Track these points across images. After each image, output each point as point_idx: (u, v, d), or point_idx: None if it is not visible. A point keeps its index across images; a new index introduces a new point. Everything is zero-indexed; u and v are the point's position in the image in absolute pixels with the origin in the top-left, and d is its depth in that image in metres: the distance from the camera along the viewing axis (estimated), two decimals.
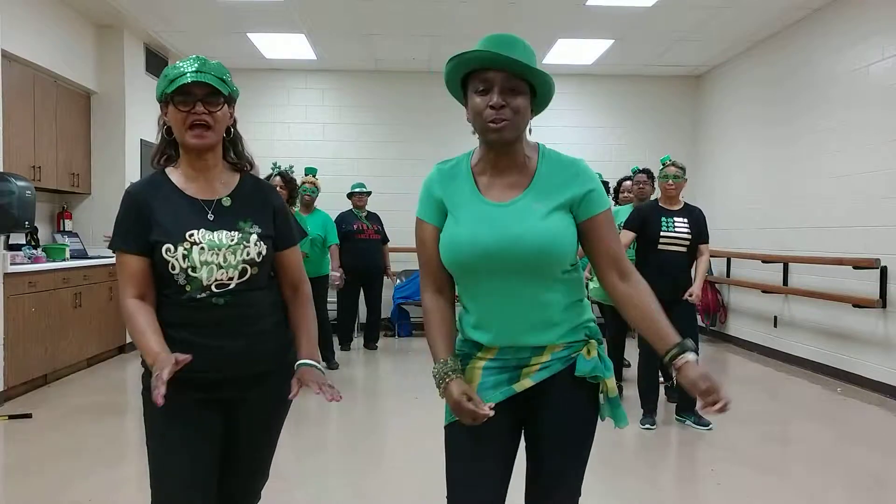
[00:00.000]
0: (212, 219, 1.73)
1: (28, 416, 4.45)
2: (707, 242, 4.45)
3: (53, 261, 5.61)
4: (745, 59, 7.54)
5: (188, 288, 1.69)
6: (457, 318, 1.74)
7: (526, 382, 1.63)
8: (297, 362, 1.78)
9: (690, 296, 4.29)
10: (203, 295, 1.69)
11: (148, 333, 1.64)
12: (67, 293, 5.57)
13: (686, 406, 4.41)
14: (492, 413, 1.52)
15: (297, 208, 5.67)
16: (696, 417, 4.35)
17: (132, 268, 1.70)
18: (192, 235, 1.70)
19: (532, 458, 1.69)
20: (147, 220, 1.70)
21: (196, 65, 1.69)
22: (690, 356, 1.51)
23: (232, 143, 1.83)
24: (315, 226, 5.97)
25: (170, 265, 1.68)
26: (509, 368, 1.64)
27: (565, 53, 7.62)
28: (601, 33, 7.02)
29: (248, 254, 1.73)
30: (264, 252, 1.76)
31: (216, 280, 1.69)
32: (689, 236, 4.32)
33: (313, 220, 6.01)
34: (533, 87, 1.57)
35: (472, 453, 1.63)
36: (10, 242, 5.24)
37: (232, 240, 1.72)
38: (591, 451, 1.70)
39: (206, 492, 1.73)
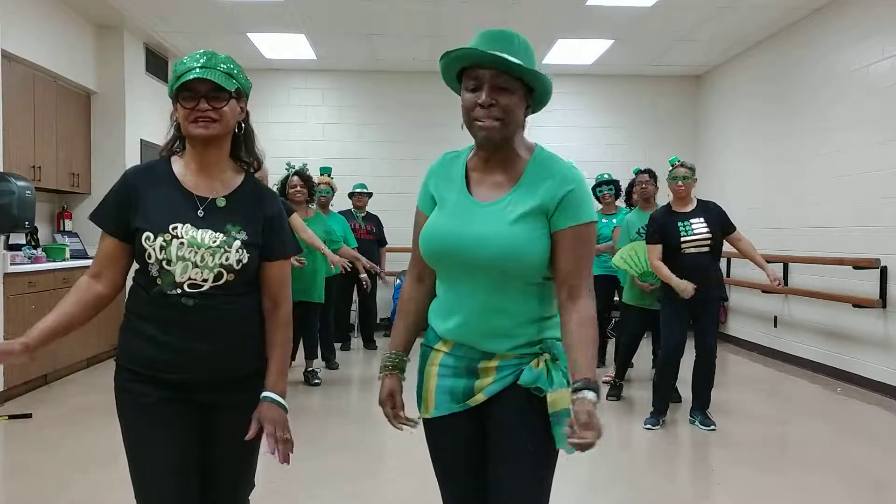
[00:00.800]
0: (201, 216, 1.69)
1: (28, 416, 4.45)
2: (735, 229, 4.36)
3: (53, 261, 5.61)
4: (745, 59, 7.53)
5: (159, 281, 1.65)
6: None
7: (479, 398, 1.60)
8: (262, 394, 1.73)
9: (776, 281, 4.24)
10: (174, 292, 1.65)
11: (51, 315, 1.67)
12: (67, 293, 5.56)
13: (697, 406, 4.41)
14: (407, 428, 1.71)
15: (314, 207, 5.65)
16: (702, 417, 4.36)
17: (102, 246, 1.72)
18: (175, 228, 1.66)
19: (488, 474, 1.65)
20: (134, 206, 1.68)
21: (202, 60, 1.66)
22: (589, 395, 1.43)
23: (244, 138, 1.79)
24: (337, 227, 6.00)
25: (146, 254, 1.64)
26: (462, 371, 1.62)
27: (565, 53, 7.62)
28: (601, 33, 7.02)
29: (226, 259, 1.67)
30: (245, 260, 1.69)
31: (189, 279, 1.65)
32: (710, 235, 4.24)
33: (334, 222, 6.02)
34: (528, 85, 1.54)
35: (448, 456, 1.70)
36: (10, 242, 5.24)
37: (214, 241, 1.67)
38: (553, 467, 1.61)
39: (184, 485, 1.69)
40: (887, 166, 5.30)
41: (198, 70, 1.63)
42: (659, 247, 4.29)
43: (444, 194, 1.64)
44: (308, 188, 5.20)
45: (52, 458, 3.73)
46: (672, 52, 7.58)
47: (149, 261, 1.65)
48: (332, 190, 6.24)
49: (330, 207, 6.34)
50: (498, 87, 1.50)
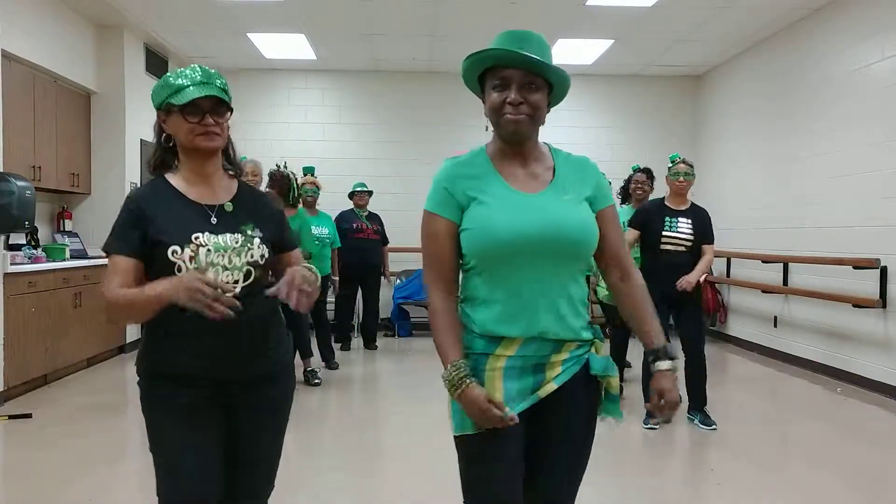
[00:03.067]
0: (215, 222, 1.75)
1: (28, 416, 4.45)
2: (711, 243, 4.41)
3: (53, 261, 5.61)
4: (745, 58, 7.53)
5: None
6: (466, 316, 1.67)
7: (550, 387, 1.62)
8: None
9: (684, 284, 4.17)
10: None
11: (140, 290, 1.62)
12: (67, 293, 5.57)
13: (695, 406, 4.42)
14: (516, 420, 1.52)
15: (300, 207, 5.63)
16: (703, 417, 4.36)
17: (123, 266, 1.67)
18: (197, 238, 1.71)
19: (533, 460, 1.67)
20: (145, 227, 1.69)
21: (200, 76, 1.71)
22: (664, 365, 1.62)
23: (225, 150, 1.86)
24: (323, 227, 6.00)
25: (176, 267, 1.67)
26: (529, 370, 1.61)
27: (565, 53, 7.62)
28: (601, 33, 7.02)
29: (252, 256, 1.75)
30: (267, 255, 1.78)
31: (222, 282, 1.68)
32: (692, 237, 4.29)
33: (321, 222, 6.01)
34: (549, 81, 1.61)
35: (494, 458, 1.60)
36: (10, 242, 5.24)
37: (236, 242, 1.74)
38: (591, 452, 1.71)
39: (214, 491, 1.74)
40: (887, 166, 5.31)
41: (203, 87, 1.69)
42: (636, 232, 4.37)
43: (481, 191, 1.61)
44: (279, 188, 5.14)
45: (52, 458, 3.73)
46: (672, 52, 7.58)
47: (179, 273, 1.66)
48: (318, 189, 6.22)
49: (321, 208, 6.34)
50: (525, 84, 1.57)
